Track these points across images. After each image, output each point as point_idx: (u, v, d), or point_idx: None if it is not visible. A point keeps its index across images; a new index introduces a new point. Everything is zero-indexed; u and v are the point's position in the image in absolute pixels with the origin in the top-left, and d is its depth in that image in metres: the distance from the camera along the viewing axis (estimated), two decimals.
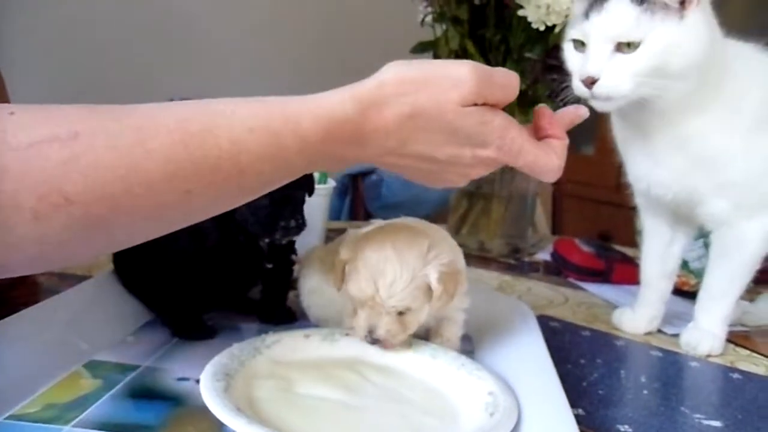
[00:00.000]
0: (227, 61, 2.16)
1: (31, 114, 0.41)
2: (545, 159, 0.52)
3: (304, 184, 0.65)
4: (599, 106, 0.67)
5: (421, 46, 1.09)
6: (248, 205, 0.52)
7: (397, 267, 0.54)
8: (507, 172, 1.07)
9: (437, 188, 0.56)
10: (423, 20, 1.07)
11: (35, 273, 0.51)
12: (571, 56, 0.70)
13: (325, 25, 2.27)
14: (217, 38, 2.17)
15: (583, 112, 0.57)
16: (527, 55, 0.98)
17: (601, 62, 0.65)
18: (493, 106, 0.49)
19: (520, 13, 0.92)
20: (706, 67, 0.66)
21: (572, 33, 0.70)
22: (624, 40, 0.64)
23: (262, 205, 0.61)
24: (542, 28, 0.92)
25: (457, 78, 0.47)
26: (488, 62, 1.01)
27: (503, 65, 1.00)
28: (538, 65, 0.97)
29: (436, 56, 1.07)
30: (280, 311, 0.70)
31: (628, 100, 0.66)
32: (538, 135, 0.54)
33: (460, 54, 1.03)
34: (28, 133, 0.39)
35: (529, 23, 0.92)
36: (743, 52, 0.71)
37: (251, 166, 0.44)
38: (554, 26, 0.92)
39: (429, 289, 0.55)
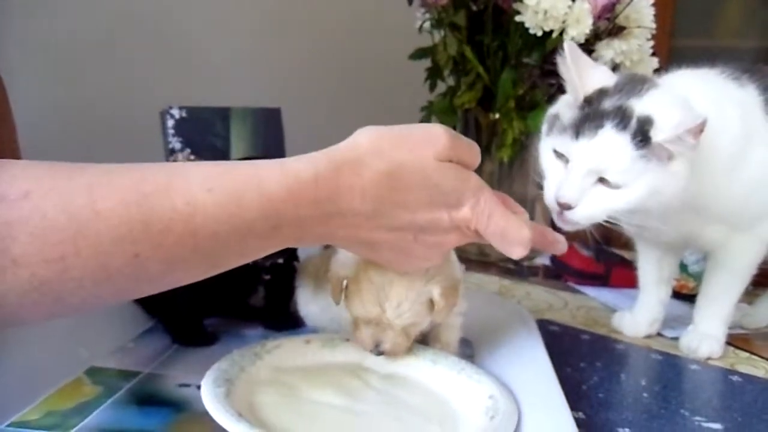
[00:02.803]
0: (226, 67, 2.17)
1: None
2: (516, 228, 0.50)
3: None
4: (563, 227, 0.64)
5: (420, 53, 1.09)
6: None
7: (402, 289, 0.54)
8: (505, 176, 1.08)
9: (407, 269, 0.53)
10: (421, 26, 1.07)
11: None
12: (550, 165, 0.65)
13: (322, 31, 2.27)
14: (216, 44, 2.18)
15: (562, 248, 0.56)
16: (525, 60, 0.99)
17: (579, 190, 0.61)
18: (464, 167, 0.50)
19: (518, 18, 0.93)
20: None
21: (555, 143, 0.64)
22: (611, 179, 0.60)
23: None
24: (540, 33, 0.93)
25: (432, 134, 0.47)
26: (486, 68, 1.02)
27: (501, 71, 1.01)
28: (535, 70, 0.98)
29: (434, 62, 1.08)
30: (284, 317, 0.70)
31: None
32: None
33: (459, 60, 1.03)
34: None
35: (527, 29, 0.93)
36: (711, 90, 0.69)
37: (205, 228, 0.42)
38: (551, 32, 0.92)
39: (431, 302, 0.56)
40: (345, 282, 0.56)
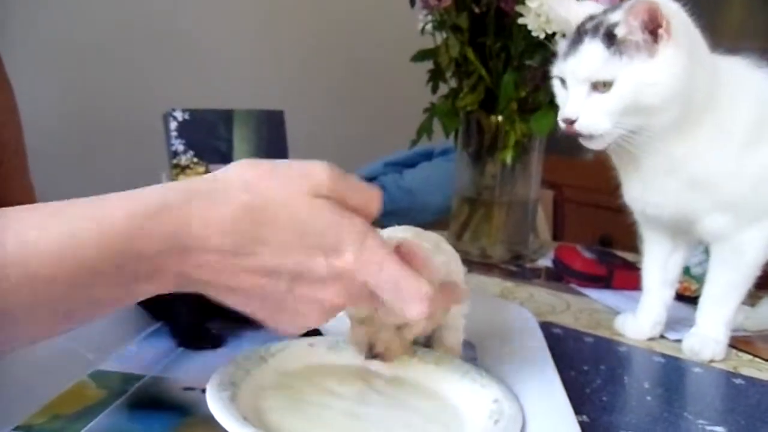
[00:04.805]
0: (230, 70, 2.17)
1: None
2: (413, 281, 0.43)
3: None
4: (587, 145, 0.69)
5: (422, 55, 1.09)
6: None
7: None
8: (507, 178, 1.08)
9: (287, 332, 0.46)
10: (423, 28, 1.08)
11: None
12: (558, 93, 0.73)
13: (324, 33, 2.27)
14: (220, 46, 2.18)
15: (460, 296, 0.52)
16: (527, 62, 0.99)
17: (578, 103, 0.68)
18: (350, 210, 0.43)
19: (520, 21, 0.93)
20: (687, 97, 0.66)
21: (555, 71, 0.72)
22: (595, 80, 0.66)
23: None
24: (542, 35, 0.93)
25: (309, 167, 0.42)
26: (488, 70, 1.02)
27: (503, 73, 1.01)
28: (538, 73, 0.97)
29: (436, 64, 1.08)
30: None
31: (614, 137, 0.67)
32: None
33: (461, 62, 1.03)
34: None
35: (530, 31, 0.93)
36: (730, 70, 0.71)
37: (42, 272, 0.37)
38: (554, 34, 0.92)
39: None
40: None
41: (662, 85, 0.65)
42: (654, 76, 0.65)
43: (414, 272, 0.43)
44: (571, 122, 0.68)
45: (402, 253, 0.44)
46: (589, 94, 0.67)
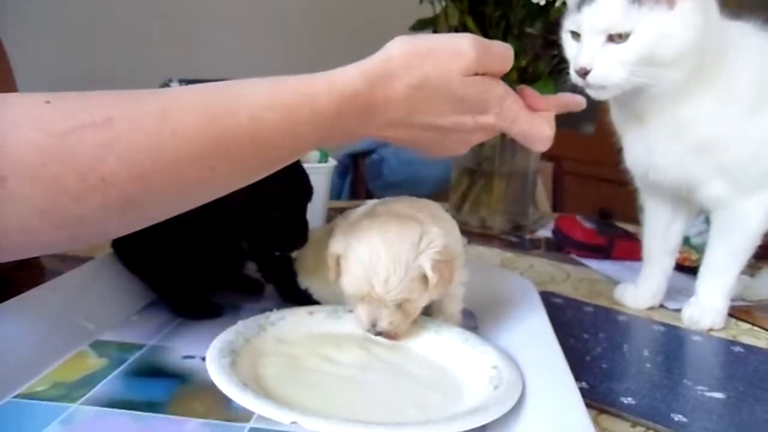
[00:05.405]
0: (227, 45, 2.15)
1: (66, 102, 0.44)
2: (539, 127, 0.55)
3: (306, 196, 0.65)
4: (594, 95, 0.69)
5: (421, 23, 1.08)
6: (262, 222, 0.60)
7: (389, 263, 0.53)
8: (507, 149, 1.07)
9: (440, 158, 0.58)
10: None
11: (70, 250, 0.51)
12: (568, 46, 0.72)
13: (323, 2, 2.25)
14: (218, 24, 2.16)
15: (579, 100, 0.59)
16: (528, 30, 0.97)
17: (592, 53, 0.67)
18: (492, 76, 0.53)
19: None
20: (700, 54, 0.66)
21: (567, 24, 0.72)
22: (613, 31, 0.66)
23: (276, 223, 0.63)
24: (542, 3, 0.91)
25: (459, 49, 0.51)
26: (488, 38, 1.00)
27: (504, 41, 0.99)
28: (538, 41, 0.96)
29: (435, 33, 1.07)
30: (298, 293, 0.67)
31: (622, 89, 0.67)
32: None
33: (460, 30, 1.02)
34: (66, 121, 0.42)
35: None
36: (739, 33, 0.71)
37: (270, 141, 0.48)
38: (554, 1, 0.91)
39: (425, 277, 0.55)
40: (339, 259, 0.56)
41: (680, 38, 0.65)
42: (673, 27, 0.65)
43: (539, 120, 0.55)
44: (585, 72, 0.67)
45: (525, 94, 0.56)
46: (604, 45, 0.67)
